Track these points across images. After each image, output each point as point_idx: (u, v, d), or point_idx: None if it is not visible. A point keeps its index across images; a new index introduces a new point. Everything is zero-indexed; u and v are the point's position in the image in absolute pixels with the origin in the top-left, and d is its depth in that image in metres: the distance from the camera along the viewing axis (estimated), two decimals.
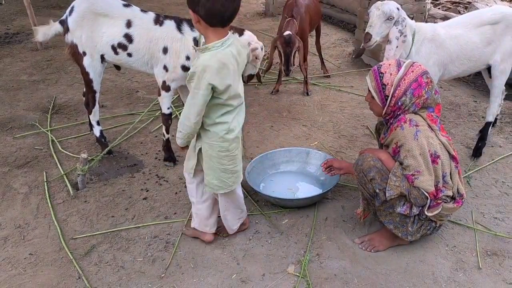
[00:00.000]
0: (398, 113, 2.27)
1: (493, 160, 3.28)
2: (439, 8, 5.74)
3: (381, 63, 2.33)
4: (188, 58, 2.85)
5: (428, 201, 2.23)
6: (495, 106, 3.29)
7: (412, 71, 2.23)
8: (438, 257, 2.44)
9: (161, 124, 3.21)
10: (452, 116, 3.96)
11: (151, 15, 2.93)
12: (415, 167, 2.17)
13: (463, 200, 2.38)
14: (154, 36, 2.87)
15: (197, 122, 2.08)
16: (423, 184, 2.18)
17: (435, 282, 2.28)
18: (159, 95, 3.04)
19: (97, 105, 3.24)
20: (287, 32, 3.77)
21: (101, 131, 3.37)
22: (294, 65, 3.83)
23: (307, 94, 4.37)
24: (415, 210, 2.28)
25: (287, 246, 2.52)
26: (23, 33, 6.40)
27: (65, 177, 3.10)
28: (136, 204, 2.86)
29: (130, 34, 2.90)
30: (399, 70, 2.24)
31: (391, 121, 2.33)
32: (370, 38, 2.81)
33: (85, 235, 2.58)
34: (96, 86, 3.14)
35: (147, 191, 3.01)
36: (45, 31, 3.06)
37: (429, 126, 2.25)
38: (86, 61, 3.02)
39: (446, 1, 6.01)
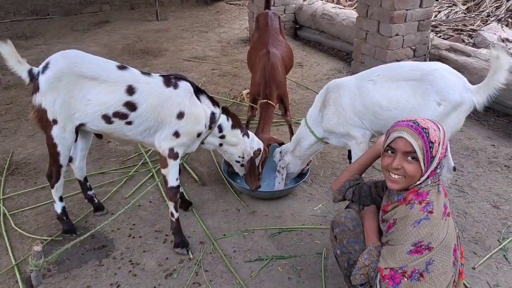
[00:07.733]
0: (423, 185, 1.78)
1: None
2: (439, 36, 5.32)
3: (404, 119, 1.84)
4: (207, 126, 2.64)
5: None
6: None
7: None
8: None
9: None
10: (470, 165, 3.47)
11: (157, 78, 2.52)
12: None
13: None
14: (167, 101, 2.48)
15: None
16: None
17: None
18: (165, 166, 2.56)
19: (61, 180, 2.61)
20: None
21: (64, 208, 2.74)
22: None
23: None
24: None
25: None
26: None
27: (15, 268, 2.49)
28: None
29: (133, 102, 2.42)
30: (435, 124, 1.80)
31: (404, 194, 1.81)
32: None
33: None
34: (63, 160, 2.53)
35: (118, 286, 2.41)
36: (13, 54, 2.35)
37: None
38: (55, 131, 2.41)
39: (448, 29, 5.59)
